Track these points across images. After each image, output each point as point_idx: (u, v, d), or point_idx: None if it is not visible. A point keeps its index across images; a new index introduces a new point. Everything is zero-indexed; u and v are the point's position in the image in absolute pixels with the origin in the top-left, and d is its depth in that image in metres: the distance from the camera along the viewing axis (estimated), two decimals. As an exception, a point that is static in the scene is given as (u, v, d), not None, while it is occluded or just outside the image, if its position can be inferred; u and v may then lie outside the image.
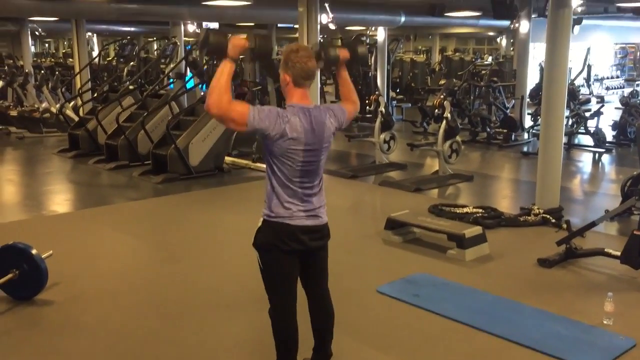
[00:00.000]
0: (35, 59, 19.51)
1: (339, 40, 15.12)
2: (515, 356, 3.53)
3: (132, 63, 13.75)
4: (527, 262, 4.97)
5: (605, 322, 3.85)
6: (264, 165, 2.89)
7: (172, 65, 11.14)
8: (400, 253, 5.29)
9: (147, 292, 4.50)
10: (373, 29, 14.57)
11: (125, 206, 7.11)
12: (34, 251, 4.17)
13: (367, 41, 14.34)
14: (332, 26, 10.54)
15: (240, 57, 2.81)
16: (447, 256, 5.11)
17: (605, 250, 4.85)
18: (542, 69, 12.38)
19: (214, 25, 15.80)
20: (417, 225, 5.51)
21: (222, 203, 7.14)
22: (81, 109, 11.40)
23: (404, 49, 21.31)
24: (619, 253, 4.68)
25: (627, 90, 17.98)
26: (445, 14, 14.52)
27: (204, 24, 15.40)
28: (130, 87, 10.76)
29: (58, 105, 11.78)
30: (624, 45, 23.52)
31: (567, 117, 10.23)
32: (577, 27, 11.54)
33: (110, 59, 16.72)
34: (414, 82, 17.52)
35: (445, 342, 3.71)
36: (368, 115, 12.26)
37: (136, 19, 15.25)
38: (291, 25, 15.48)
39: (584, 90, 15.02)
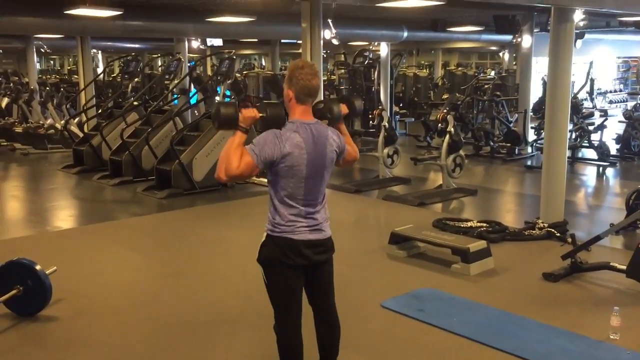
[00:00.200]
0: (40, 75, 19.63)
1: (342, 55, 15.23)
2: (521, 371, 3.51)
3: (136, 79, 13.80)
4: (532, 277, 4.94)
5: (611, 336, 3.82)
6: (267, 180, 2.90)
7: (176, 81, 11.19)
8: (405, 268, 5.27)
9: (151, 308, 4.48)
10: (376, 44, 14.63)
11: (129, 222, 7.12)
12: (38, 267, 4.16)
13: (370, 56, 14.38)
14: (335, 42, 10.61)
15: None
16: (451, 270, 5.08)
17: (611, 264, 4.82)
18: (544, 83, 12.45)
19: (218, 41, 15.87)
20: (421, 240, 5.49)
21: (226, 218, 7.14)
22: (86, 125, 11.48)
23: (407, 64, 21.39)
24: (624, 267, 4.65)
25: (631, 104, 17.95)
26: (448, 29, 14.59)
27: (208, 40, 15.48)
28: (135, 103, 10.80)
29: (63, 122, 11.85)
30: (626, 59, 23.56)
31: (571, 131, 10.24)
32: (579, 41, 11.61)
33: (114, 75, 16.83)
34: (417, 96, 17.56)
35: (451, 357, 3.69)
36: (371, 130, 12.30)
37: (140, 35, 15.38)
38: (295, 40, 15.56)
39: (587, 104, 15.03)
